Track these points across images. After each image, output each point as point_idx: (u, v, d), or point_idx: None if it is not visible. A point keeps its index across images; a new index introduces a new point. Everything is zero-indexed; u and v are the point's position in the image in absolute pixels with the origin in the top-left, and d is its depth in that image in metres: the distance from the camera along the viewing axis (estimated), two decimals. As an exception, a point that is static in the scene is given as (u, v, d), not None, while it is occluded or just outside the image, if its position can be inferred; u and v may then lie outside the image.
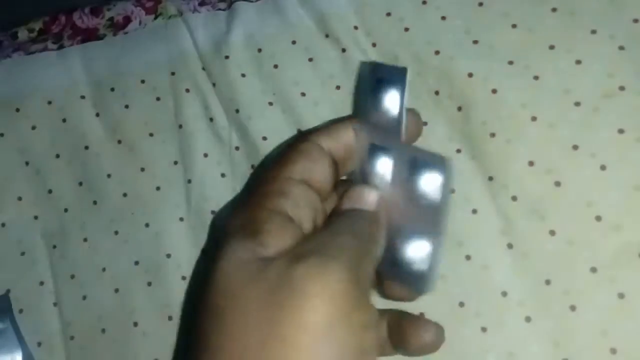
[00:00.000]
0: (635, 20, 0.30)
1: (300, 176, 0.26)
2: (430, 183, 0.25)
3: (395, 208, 0.26)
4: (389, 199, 0.27)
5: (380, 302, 0.28)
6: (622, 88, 0.30)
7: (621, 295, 0.28)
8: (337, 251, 0.23)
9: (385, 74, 0.27)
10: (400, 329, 0.27)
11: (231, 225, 0.25)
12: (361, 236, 0.25)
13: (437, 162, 0.25)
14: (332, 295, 0.21)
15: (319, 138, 0.28)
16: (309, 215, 0.26)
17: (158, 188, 0.36)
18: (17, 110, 0.39)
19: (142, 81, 0.37)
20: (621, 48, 0.30)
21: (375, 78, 0.27)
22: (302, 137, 0.28)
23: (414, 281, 0.26)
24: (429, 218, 0.26)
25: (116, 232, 0.36)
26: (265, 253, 0.23)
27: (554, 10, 0.31)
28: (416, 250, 0.26)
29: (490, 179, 0.31)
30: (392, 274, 0.27)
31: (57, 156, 0.38)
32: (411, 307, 0.29)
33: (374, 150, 0.27)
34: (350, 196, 0.27)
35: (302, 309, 0.21)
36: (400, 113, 0.26)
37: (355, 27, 0.34)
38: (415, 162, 0.26)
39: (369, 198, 0.26)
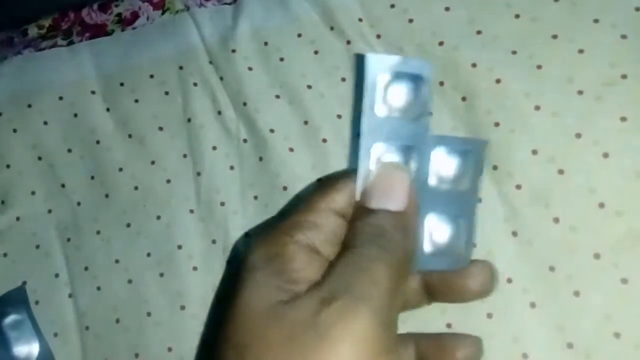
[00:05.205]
0: (637, 9, 0.30)
1: (339, 207, 0.25)
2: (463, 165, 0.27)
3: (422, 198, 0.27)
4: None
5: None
6: (624, 76, 0.30)
7: (624, 281, 0.28)
8: (367, 290, 0.22)
9: (406, 68, 0.26)
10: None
11: (255, 256, 0.25)
12: (396, 262, 0.23)
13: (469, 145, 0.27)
14: (358, 341, 0.20)
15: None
16: (337, 249, 0.25)
17: (168, 181, 0.37)
18: (29, 106, 0.39)
19: (151, 76, 0.38)
20: (623, 37, 0.30)
21: (395, 72, 0.26)
22: (330, 180, 0.28)
23: (454, 261, 0.27)
24: (462, 201, 0.27)
25: (128, 225, 0.37)
26: (296, 289, 0.23)
27: (556, 0, 0.32)
28: (451, 233, 0.27)
29: (495, 167, 0.31)
30: (429, 262, 0.27)
31: (69, 151, 0.38)
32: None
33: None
34: (376, 188, 0.25)
35: (327, 355, 0.20)
36: (427, 104, 0.27)
37: (360, 19, 0.35)
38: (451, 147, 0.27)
39: (399, 190, 0.25)
